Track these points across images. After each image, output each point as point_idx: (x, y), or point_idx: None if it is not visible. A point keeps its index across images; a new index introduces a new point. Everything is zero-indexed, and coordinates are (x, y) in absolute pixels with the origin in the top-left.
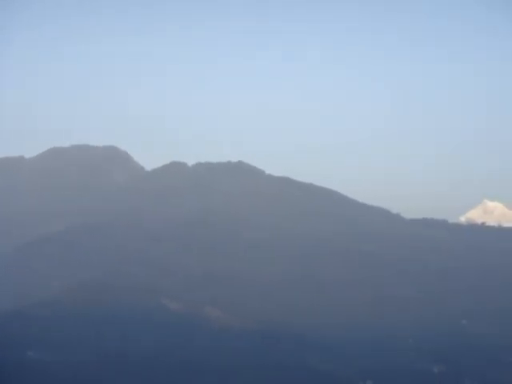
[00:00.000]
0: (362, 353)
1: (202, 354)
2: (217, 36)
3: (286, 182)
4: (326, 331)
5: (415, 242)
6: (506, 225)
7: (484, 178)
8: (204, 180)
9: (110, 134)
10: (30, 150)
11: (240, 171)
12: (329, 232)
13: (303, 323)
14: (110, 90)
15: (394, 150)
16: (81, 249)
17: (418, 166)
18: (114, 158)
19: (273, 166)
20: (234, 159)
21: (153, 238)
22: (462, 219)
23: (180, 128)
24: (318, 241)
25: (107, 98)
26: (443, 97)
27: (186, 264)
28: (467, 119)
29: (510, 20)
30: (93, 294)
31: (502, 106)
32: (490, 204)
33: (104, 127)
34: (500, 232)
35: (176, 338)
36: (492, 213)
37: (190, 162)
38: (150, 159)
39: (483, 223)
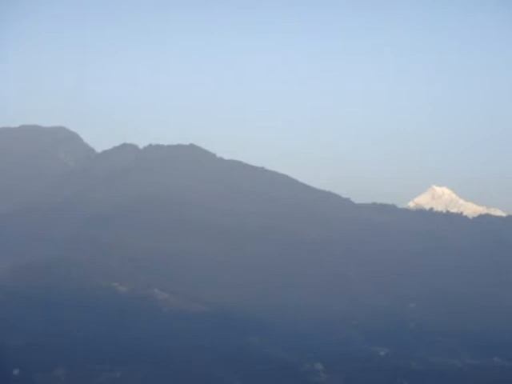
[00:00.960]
0: (311, 336)
1: (150, 336)
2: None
3: (236, 166)
4: (274, 314)
5: (364, 227)
6: (453, 210)
7: (433, 163)
8: (155, 162)
9: (59, 114)
10: None
11: (191, 154)
12: (278, 216)
13: (251, 306)
14: (60, 69)
15: (344, 134)
16: (28, 231)
17: (368, 151)
18: (64, 139)
19: (224, 150)
20: (186, 142)
21: (101, 220)
22: (411, 204)
23: (132, 110)
24: (268, 224)
25: (57, 77)
26: (391, 82)
27: (135, 246)
28: (416, 105)
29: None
30: (39, 277)
31: (450, 92)
32: (438, 189)
33: (53, 107)
34: (447, 217)
35: (124, 320)
36: (440, 198)
37: (141, 144)
38: (100, 141)
39: (431, 209)
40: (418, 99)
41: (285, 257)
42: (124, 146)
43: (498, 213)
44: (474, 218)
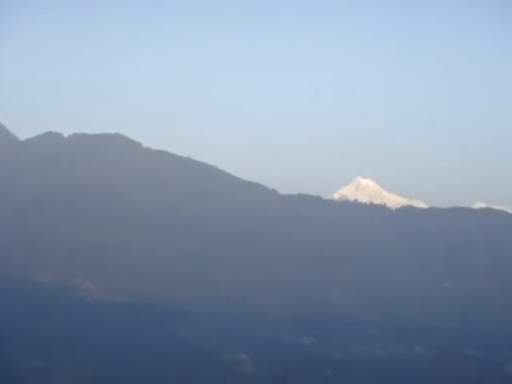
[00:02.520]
0: (236, 326)
1: (72, 325)
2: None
3: (163, 156)
4: (199, 305)
5: (290, 217)
6: (376, 202)
7: (358, 155)
8: (80, 151)
9: None
10: None
11: (117, 143)
12: (205, 207)
13: (177, 296)
14: None
15: (270, 125)
16: None
17: (294, 142)
18: None
19: (151, 140)
20: (111, 131)
21: (24, 208)
22: (336, 196)
23: (57, 97)
24: (194, 215)
25: None
26: (316, 72)
27: (59, 236)
28: (341, 97)
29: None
30: None
31: (376, 85)
32: (363, 181)
33: None
34: (371, 208)
35: (45, 310)
36: (364, 190)
37: (66, 132)
38: (23, 128)
39: (355, 200)
40: (342, 91)
41: (211, 248)
42: (48, 133)
43: (421, 204)
44: (397, 209)
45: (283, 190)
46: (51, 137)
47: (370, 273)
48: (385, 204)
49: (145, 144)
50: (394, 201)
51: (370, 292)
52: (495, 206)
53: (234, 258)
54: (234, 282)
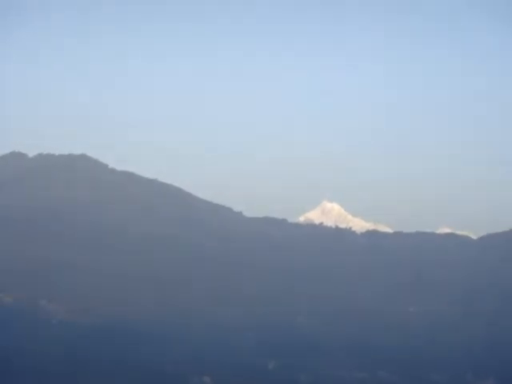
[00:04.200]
0: (201, 348)
1: (36, 347)
2: None
3: (129, 177)
4: (164, 326)
5: (256, 240)
6: (342, 225)
7: (324, 179)
8: (44, 172)
9: None
10: None
11: (82, 164)
12: (170, 228)
13: (142, 317)
14: None
15: (238, 148)
16: None
17: (261, 165)
18: None
19: (117, 161)
20: (77, 152)
21: None
22: (302, 219)
23: (22, 117)
24: (159, 237)
25: None
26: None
27: (23, 256)
28: (307, 123)
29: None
30: None
31: (337, 111)
32: (329, 205)
33: None
34: (336, 232)
35: (9, 332)
36: (329, 213)
37: (31, 152)
38: None
39: (321, 223)
40: (309, 116)
41: (176, 269)
42: (13, 154)
43: (386, 229)
44: (362, 233)
45: (249, 213)
46: (15, 156)
47: (336, 296)
48: (350, 228)
49: (111, 165)
50: (358, 225)
51: (335, 315)
52: (459, 232)
53: (200, 280)
54: (201, 303)
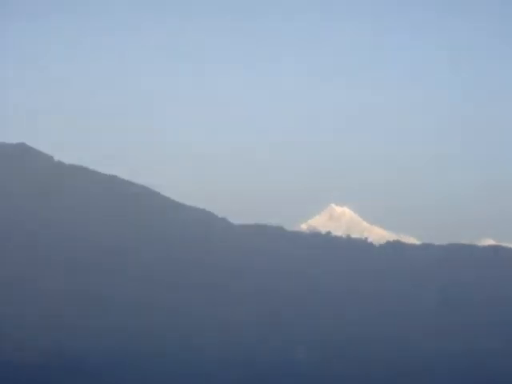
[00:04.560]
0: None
1: None
2: None
3: (80, 171)
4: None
5: (243, 252)
6: (355, 235)
7: (332, 177)
8: None
9: None
10: None
11: (20, 154)
12: (134, 235)
13: (118, 348)
14: None
15: (227, 146)
16: None
17: (253, 161)
18: None
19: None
20: (15, 140)
21: None
22: (304, 227)
23: None
24: (122, 245)
25: None
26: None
27: None
28: (316, 108)
29: None
30: None
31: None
32: (338, 209)
33: None
34: (348, 243)
35: None
36: (339, 219)
37: None
38: None
39: (328, 232)
40: (313, 110)
41: (143, 292)
42: None
43: (411, 240)
44: (381, 244)
45: (236, 219)
46: None
47: (343, 326)
48: (366, 238)
49: (57, 157)
50: (377, 234)
51: (341, 348)
52: (506, 244)
53: (173, 305)
54: (179, 330)
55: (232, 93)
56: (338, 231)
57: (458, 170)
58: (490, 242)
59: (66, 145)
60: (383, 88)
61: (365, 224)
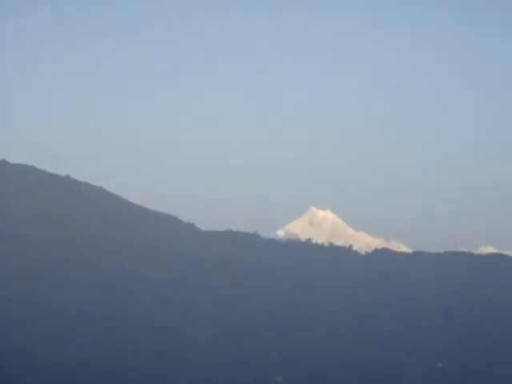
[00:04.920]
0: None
1: None
2: None
3: (29, 171)
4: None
5: (210, 262)
6: (339, 242)
7: (312, 178)
8: None
9: None
10: None
11: None
12: (89, 243)
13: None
14: None
15: (189, 139)
16: None
17: (223, 160)
18: None
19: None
20: None
21: None
22: (281, 233)
23: None
24: (74, 254)
25: None
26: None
27: None
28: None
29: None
30: None
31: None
32: (320, 213)
33: None
34: (331, 252)
35: None
36: (321, 225)
37: None
38: None
39: (308, 240)
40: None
41: (101, 304)
42: None
43: (401, 248)
44: (367, 253)
45: (205, 225)
46: None
47: (324, 347)
48: (350, 246)
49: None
50: (363, 241)
51: (323, 377)
52: (508, 252)
53: (130, 319)
54: (128, 355)
55: (202, 95)
56: (320, 238)
57: (453, 172)
58: (489, 249)
59: (13, 144)
60: (363, 86)
61: (350, 230)
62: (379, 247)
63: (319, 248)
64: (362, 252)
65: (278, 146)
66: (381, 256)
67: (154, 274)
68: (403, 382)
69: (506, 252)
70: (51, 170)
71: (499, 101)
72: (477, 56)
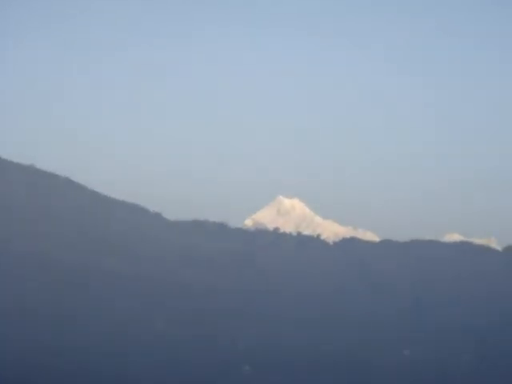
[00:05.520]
0: None
1: None
2: None
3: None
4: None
5: (178, 253)
6: (306, 231)
7: (279, 167)
8: None
9: None
10: None
11: None
12: (62, 232)
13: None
14: None
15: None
16: None
17: (191, 149)
18: None
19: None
20: None
21: None
22: (248, 222)
23: None
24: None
25: None
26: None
27: None
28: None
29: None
30: None
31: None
32: (287, 202)
33: None
34: (298, 240)
35: None
36: (289, 214)
37: None
38: None
39: (276, 229)
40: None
41: (65, 296)
42: None
43: (369, 236)
44: (335, 242)
45: (172, 215)
46: None
47: (291, 337)
48: (318, 235)
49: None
50: (330, 230)
51: (291, 367)
52: (475, 239)
53: (97, 311)
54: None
55: (173, 84)
56: (287, 227)
57: (418, 160)
58: (456, 237)
59: None
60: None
61: (317, 219)
62: (347, 236)
63: (287, 237)
64: (330, 241)
65: (245, 134)
66: (348, 245)
67: (119, 265)
68: (370, 369)
69: (471, 239)
70: (16, 159)
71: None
72: None
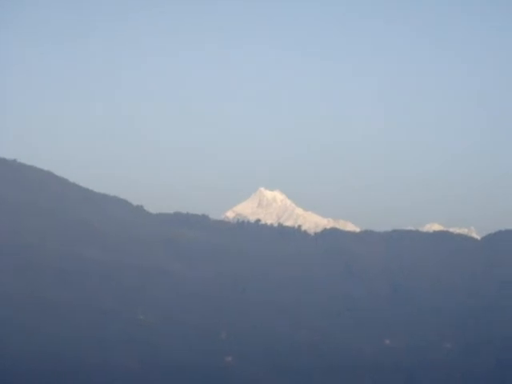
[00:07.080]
0: None
1: None
2: None
3: None
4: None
5: (160, 245)
6: (288, 223)
7: (260, 159)
8: None
9: None
10: None
11: None
12: (33, 227)
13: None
14: None
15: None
16: None
17: (172, 143)
18: None
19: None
20: None
21: None
22: (229, 214)
23: None
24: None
25: None
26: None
27: None
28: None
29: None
30: None
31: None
32: (269, 194)
33: None
34: (279, 232)
35: None
36: (270, 206)
37: None
38: None
39: (257, 220)
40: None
41: (47, 288)
42: None
43: (350, 227)
44: (316, 233)
45: (154, 208)
46: None
47: (273, 326)
48: (299, 226)
49: None
50: (311, 221)
51: (273, 354)
52: (454, 229)
53: (78, 300)
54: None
55: (153, 73)
56: (269, 219)
57: (401, 151)
58: (436, 227)
59: None
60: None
61: (298, 210)
62: (328, 227)
63: (268, 228)
64: (311, 232)
65: (226, 127)
66: (329, 236)
67: (102, 257)
68: (350, 359)
69: (451, 229)
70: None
71: None
72: None
